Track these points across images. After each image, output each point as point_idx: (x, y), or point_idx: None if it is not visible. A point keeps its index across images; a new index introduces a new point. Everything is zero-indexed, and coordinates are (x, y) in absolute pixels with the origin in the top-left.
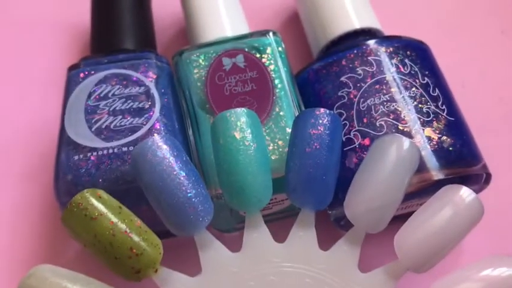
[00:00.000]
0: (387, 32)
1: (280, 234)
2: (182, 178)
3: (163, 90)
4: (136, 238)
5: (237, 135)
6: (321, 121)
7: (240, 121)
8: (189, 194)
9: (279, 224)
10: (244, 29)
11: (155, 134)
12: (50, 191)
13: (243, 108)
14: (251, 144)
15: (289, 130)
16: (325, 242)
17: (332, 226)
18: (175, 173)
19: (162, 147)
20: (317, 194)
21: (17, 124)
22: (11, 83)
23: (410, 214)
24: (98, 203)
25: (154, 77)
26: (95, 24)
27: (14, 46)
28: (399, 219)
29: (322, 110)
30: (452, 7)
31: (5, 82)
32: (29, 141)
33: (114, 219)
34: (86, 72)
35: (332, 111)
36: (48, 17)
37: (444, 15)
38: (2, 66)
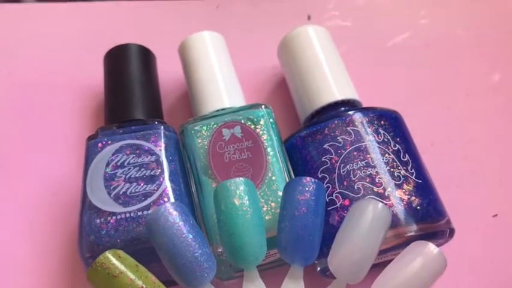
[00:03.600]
0: (365, 99)
1: (273, 282)
2: (190, 240)
3: (170, 158)
4: None
5: (236, 201)
6: (307, 188)
7: (239, 189)
8: (196, 254)
9: (272, 272)
10: (240, 100)
11: (166, 200)
12: (69, 246)
13: (241, 178)
14: (248, 209)
15: (280, 193)
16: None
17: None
18: (184, 235)
19: (172, 213)
20: (304, 252)
21: (38, 184)
22: (34, 144)
23: (386, 263)
24: (118, 262)
25: (163, 145)
26: (108, 96)
27: (36, 109)
28: (377, 267)
29: (308, 178)
30: (422, 75)
31: (30, 143)
32: (49, 199)
33: (132, 276)
34: (104, 142)
35: (316, 180)
36: (64, 81)
37: (415, 82)
38: (27, 128)
